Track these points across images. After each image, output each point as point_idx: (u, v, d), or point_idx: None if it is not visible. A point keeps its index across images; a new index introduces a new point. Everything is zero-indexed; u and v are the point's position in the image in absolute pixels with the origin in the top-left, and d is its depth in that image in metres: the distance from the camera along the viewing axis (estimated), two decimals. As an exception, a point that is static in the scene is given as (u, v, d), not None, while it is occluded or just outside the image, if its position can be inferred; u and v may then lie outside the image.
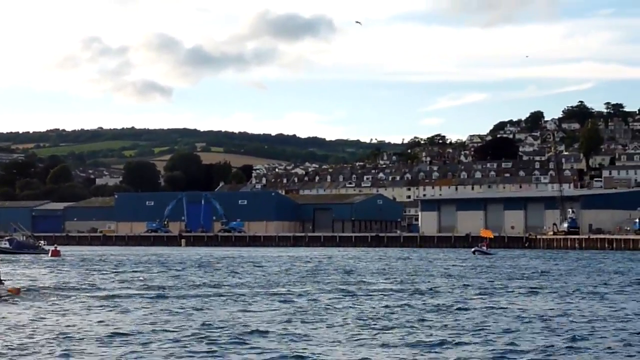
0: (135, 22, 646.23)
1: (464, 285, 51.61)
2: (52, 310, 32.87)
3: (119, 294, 42.50)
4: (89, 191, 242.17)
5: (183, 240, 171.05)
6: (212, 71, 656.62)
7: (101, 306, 35.60)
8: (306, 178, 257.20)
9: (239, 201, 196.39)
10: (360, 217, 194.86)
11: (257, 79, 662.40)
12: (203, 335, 26.64)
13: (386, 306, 37.48)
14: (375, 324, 30.60)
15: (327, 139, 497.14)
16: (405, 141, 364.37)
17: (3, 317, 27.36)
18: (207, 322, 30.12)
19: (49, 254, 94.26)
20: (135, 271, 65.48)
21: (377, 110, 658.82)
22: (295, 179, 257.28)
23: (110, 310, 33.88)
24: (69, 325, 28.25)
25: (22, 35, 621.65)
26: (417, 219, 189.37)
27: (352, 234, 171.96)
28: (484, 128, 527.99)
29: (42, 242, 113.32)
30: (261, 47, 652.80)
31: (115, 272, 64.46)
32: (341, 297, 42.39)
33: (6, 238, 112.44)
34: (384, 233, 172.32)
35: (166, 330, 27.41)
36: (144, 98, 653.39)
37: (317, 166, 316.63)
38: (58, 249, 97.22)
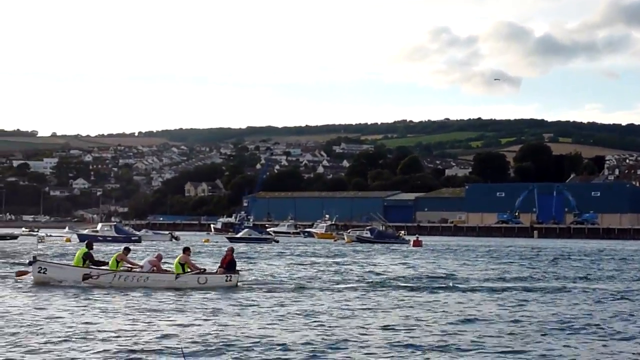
0: (485, 11, 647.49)
1: None
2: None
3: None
4: (439, 182, 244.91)
5: (535, 232, 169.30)
6: (562, 60, 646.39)
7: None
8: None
9: (592, 193, 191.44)
10: None
11: (608, 68, 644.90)
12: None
13: None
14: None
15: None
16: None
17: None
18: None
19: (411, 244, 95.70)
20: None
21: None
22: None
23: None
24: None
25: (372, 28, 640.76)
26: None
27: None
28: None
29: (402, 232, 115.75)
30: (613, 35, 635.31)
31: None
32: None
33: (367, 227, 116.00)
34: None
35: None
36: (492, 89, 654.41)
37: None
38: (420, 239, 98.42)
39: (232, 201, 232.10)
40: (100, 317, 22.96)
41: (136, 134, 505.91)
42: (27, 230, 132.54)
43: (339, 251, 77.39)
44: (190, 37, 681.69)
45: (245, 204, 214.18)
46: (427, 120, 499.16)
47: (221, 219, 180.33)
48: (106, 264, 32.84)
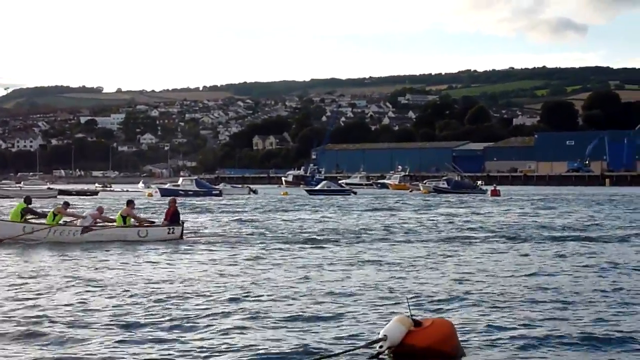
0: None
1: None
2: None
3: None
4: (507, 131, 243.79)
5: (607, 180, 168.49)
6: (629, 6, 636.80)
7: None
8: None
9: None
10: None
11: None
12: None
13: None
14: None
15: None
16: None
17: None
18: None
19: (489, 194, 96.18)
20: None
21: None
22: None
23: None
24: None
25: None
26: None
27: None
28: None
29: (479, 182, 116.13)
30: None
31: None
32: None
33: (444, 178, 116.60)
34: None
35: None
36: (558, 36, 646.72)
37: None
38: (497, 188, 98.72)
39: (300, 153, 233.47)
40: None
41: (200, 89, 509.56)
42: (100, 185, 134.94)
43: (427, 203, 77.79)
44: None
45: (313, 157, 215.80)
46: (491, 69, 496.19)
47: (291, 172, 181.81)
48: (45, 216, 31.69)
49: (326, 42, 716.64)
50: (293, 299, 17.37)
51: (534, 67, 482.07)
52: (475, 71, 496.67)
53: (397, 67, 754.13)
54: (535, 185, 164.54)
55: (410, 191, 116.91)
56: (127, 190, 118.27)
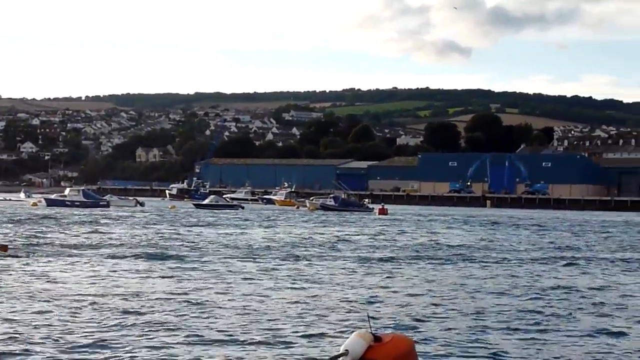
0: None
1: None
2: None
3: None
4: (390, 150, 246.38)
5: (488, 202, 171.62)
6: (512, 31, 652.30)
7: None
8: (610, 141, 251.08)
9: (543, 163, 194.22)
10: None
11: (557, 39, 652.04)
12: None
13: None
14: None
15: (624, 101, 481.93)
16: None
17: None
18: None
19: (376, 213, 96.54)
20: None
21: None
22: (598, 142, 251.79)
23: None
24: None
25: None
26: None
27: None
28: None
29: (367, 200, 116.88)
30: (564, 7, 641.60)
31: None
32: None
33: (331, 196, 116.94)
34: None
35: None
36: (443, 58, 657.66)
37: (615, 129, 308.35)
38: (385, 207, 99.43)
39: (184, 167, 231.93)
40: None
41: (83, 98, 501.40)
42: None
43: (320, 220, 78.07)
44: (137, 1, 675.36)
45: (197, 170, 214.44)
46: (375, 89, 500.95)
47: (175, 185, 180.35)
48: None
49: (211, 56, 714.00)
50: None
51: (417, 88, 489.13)
52: (359, 90, 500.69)
53: (282, 83, 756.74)
54: (417, 205, 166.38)
55: (297, 208, 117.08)
56: (10, 200, 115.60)
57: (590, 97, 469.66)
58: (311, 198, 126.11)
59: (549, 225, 77.14)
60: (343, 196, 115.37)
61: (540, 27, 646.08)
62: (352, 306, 19.81)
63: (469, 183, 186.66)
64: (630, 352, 15.49)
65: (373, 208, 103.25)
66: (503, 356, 14.72)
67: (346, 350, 10.77)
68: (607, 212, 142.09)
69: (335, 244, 43.46)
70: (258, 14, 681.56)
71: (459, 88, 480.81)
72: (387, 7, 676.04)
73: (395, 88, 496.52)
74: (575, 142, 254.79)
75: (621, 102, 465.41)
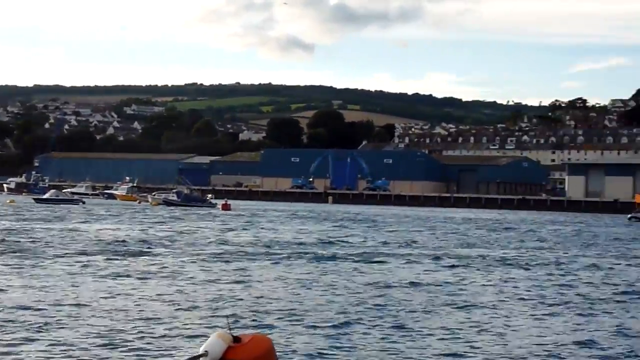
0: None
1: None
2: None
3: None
4: (233, 146, 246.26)
5: (330, 198, 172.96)
6: (356, 28, 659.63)
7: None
8: (449, 139, 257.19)
9: (384, 160, 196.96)
10: (506, 179, 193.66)
11: (399, 37, 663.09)
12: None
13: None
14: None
15: (464, 99, 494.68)
16: (543, 104, 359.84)
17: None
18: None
19: (220, 208, 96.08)
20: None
21: (516, 72, 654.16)
22: (439, 139, 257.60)
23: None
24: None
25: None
26: (561, 183, 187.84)
27: (498, 196, 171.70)
28: (625, 93, 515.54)
29: (210, 195, 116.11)
30: (406, 5, 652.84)
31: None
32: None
33: (174, 191, 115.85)
34: (530, 196, 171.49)
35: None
36: (286, 54, 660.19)
37: (454, 127, 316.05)
38: (228, 202, 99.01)
39: (22, 161, 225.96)
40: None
41: None
42: None
43: (161, 217, 77.03)
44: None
45: (36, 164, 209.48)
46: (218, 84, 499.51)
47: (13, 179, 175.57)
48: None
49: (51, 48, 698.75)
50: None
51: (260, 84, 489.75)
52: (202, 85, 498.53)
53: (124, 76, 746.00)
54: (259, 200, 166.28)
55: (139, 202, 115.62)
56: None
57: (431, 95, 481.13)
58: (153, 193, 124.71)
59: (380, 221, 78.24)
60: (186, 191, 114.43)
61: (383, 24, 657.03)
62: (202, 304, 19.43)
63: (311, 179, 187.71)
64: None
65: (216, 203, 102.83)
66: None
67: (205, 351, 10.56)
68: (447, 209, 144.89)
69: (176, 240, 42.93)
70: (100, 5, 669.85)
71: (302, 84, 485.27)
72: (231, 2, 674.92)
73: (238, 83, 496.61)
74: (416, 139, 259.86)
75: (460, 100, 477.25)
